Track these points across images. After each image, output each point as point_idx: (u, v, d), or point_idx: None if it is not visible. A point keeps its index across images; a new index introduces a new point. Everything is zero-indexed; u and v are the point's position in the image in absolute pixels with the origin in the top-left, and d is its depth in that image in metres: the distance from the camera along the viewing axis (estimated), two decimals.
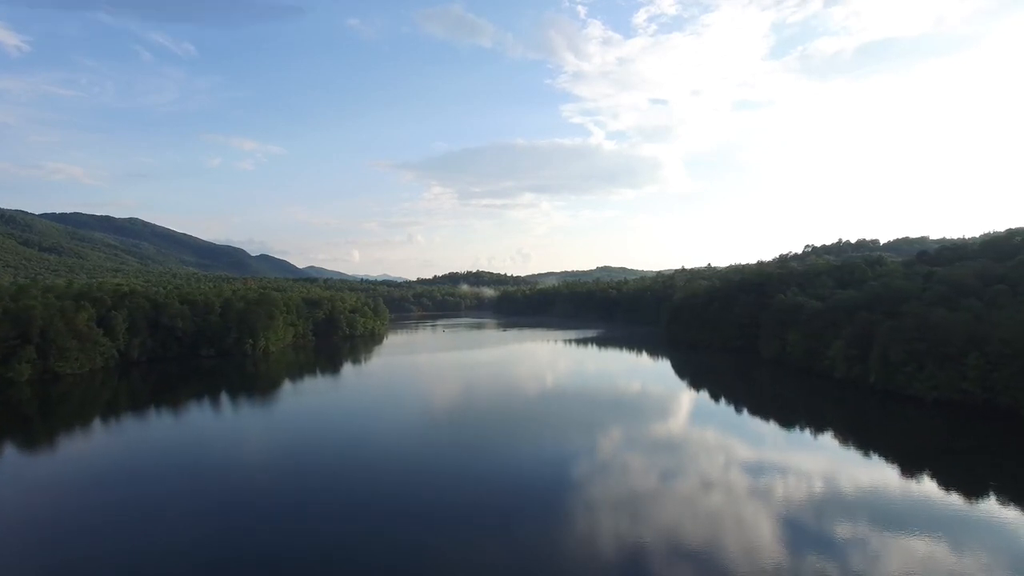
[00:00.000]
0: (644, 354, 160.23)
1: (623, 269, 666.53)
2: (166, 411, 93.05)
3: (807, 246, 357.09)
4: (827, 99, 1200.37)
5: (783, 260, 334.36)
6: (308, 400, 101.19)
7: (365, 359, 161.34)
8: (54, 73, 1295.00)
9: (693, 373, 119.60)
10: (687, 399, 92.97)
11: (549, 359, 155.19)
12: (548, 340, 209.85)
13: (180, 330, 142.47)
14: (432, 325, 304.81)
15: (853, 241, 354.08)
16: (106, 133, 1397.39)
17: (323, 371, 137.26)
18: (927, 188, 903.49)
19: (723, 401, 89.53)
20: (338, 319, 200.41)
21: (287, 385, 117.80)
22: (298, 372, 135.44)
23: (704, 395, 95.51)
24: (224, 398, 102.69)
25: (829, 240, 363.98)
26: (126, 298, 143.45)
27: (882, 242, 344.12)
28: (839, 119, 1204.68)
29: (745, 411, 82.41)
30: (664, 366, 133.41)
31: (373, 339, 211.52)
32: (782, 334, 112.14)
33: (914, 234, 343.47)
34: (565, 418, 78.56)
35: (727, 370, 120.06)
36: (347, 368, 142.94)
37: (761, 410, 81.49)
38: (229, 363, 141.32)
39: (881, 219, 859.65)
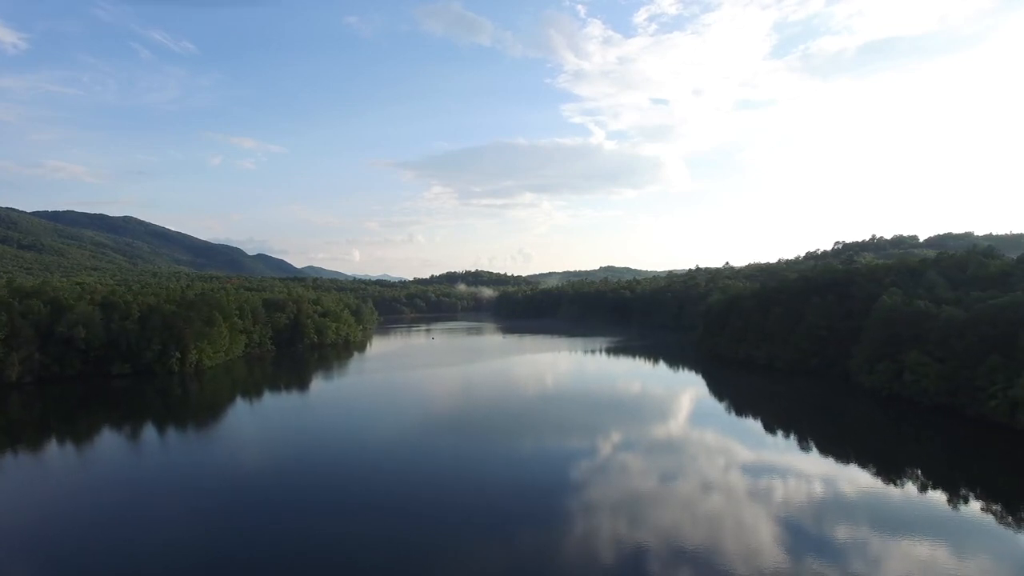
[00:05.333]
0: (681, 373, 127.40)
1: (627, 269, 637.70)
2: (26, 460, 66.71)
3: (837, 242, 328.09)
4: (830, 98, 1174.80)
5: (816, 257, 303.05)
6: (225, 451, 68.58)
7: (322, 379, 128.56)
8: (55, 71, 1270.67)
9: (775, 414, 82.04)
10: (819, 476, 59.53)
11: (562, 383, 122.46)
12: (556, 350, 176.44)
13: (83, 341, 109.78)
14: (426, 329, 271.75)
15: (888, 237, 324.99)
16: (107, 131, 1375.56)
17: (267, 397, 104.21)
18: (932, 186, 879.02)
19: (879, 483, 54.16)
20: (304, 324, 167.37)
21: (213, 419, 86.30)
22: (235, 398, 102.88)
23: (852, 475, 54.41)
24: (117, 441, 74.51)
25: (860, 236, 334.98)
26: (19, 300, 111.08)
27: (921, 238, 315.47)
28: (842, 118, 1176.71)
29: (930, 503, 49.73)
30: (722, 398, 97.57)
31: (348, 348, 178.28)
32: (894, 354, 79.33)
33: (956, 230, 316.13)
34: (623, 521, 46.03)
35: (822, 410, 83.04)
36: (297, 393, 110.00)
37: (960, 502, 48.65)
38: (148, 383, 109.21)
39: (885, 217, 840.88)
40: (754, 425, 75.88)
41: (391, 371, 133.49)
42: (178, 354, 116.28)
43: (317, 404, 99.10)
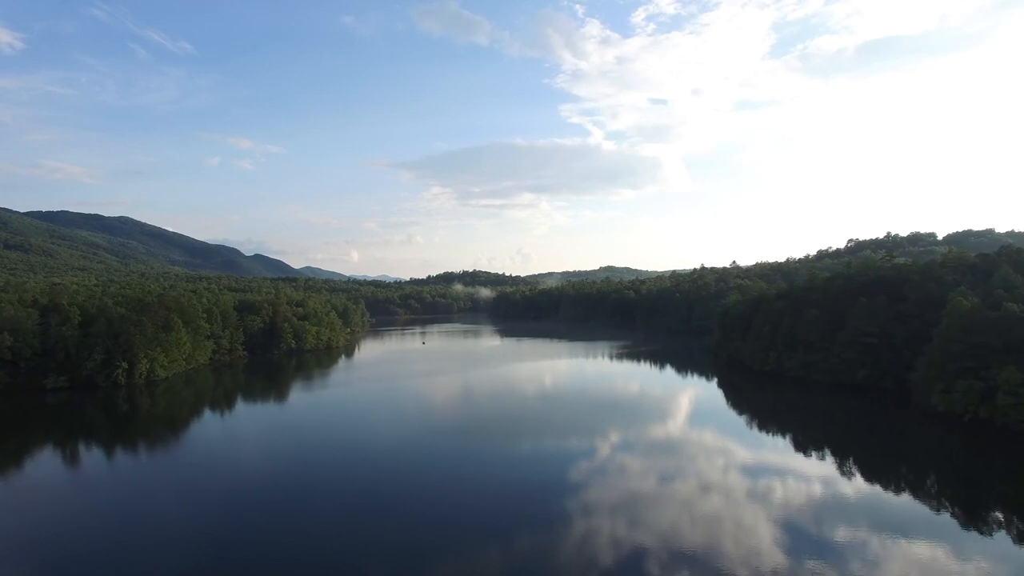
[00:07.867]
0: (709, 386, 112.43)
1: (627, 269, 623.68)
2: None
3: (850, 240, 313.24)
4: (829, 98, 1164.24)
5: (829, 255, 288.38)
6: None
7: (299, 389, 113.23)
8: (53, 72, 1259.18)
9: (842, 448, 66.42)
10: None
11: (566, 398, 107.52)
12: (557, 356, 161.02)
13: (9, 350, 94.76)
14: (419, 332, 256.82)
15: (904, 235, 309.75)
16: (105, 132, 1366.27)
17: (230, 412, 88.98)
18: (934, 185, 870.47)
19: None
20: (281, 328, 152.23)
21: (161, 441, 72.62)
22: (194, 414, 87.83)
23: None
24: (41, 471, 60.32)
25: (875, 234, 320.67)
26: None
27: (940, 236, 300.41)
28: (842, 117, 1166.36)
29: None
30: (765, 423, 79.96)
31: (330, 354, 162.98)
32: (977, 369, 64.52)
33: (977, 227, 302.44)
34: None
35: (894, 440, 66.17)
36: (269, 407, 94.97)
37: None
38: (88, 398, 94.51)
39: (885, 216, 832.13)
40: (828, 462, 60.85)
41: (371, 382, 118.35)
42: (125, 364, 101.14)
43: (285, 422, 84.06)
